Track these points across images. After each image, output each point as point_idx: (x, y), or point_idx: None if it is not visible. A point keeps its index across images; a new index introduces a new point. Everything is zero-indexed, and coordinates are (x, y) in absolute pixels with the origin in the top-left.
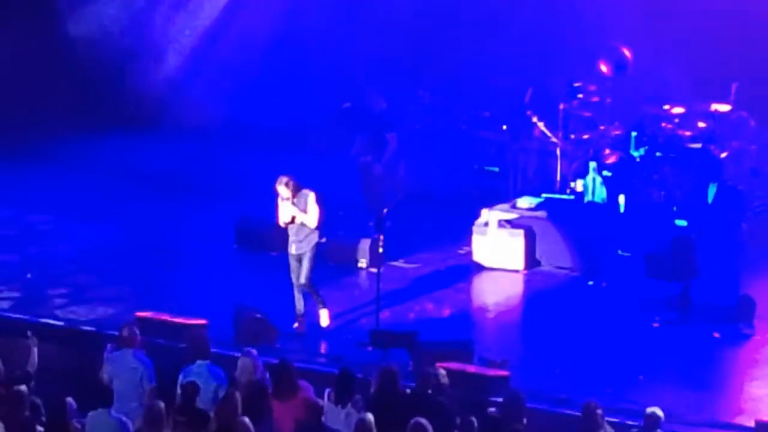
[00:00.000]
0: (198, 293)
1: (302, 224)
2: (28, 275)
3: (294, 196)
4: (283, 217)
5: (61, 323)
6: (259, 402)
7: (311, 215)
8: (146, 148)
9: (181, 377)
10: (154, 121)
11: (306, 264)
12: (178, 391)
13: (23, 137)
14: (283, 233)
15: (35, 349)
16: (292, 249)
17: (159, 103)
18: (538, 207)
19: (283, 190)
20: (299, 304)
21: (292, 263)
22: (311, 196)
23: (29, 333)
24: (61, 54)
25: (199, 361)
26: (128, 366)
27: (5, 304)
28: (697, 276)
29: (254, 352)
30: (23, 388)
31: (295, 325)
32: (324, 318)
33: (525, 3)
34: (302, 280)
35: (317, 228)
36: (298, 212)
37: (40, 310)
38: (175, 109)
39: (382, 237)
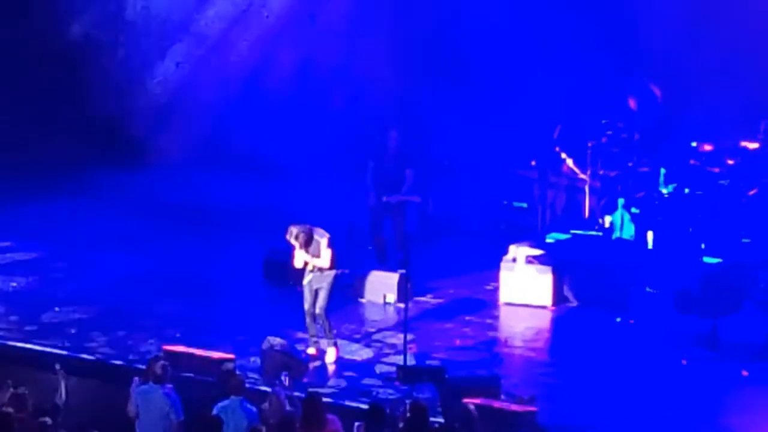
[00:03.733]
0: (226, 327)
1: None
2: (56, 308)
3: (307, 246)
4: (296, 263)
5: (88, 356)
6: None
7: (324, 259)
8: (174, 181)
9: (214, 412)
10: (183, 156)
11: (323, 294)
12: None
13: (56, 173)
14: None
15: (64, 383)
16: (307, 280)
17: (189, 138)
18: (566, 243)
19: (294, 242)
20: (312, 329)
21: (306, 293)
22: (323, 242)
23: (58, 366)
24: (94, 93)
25: (232, 397)
26: (155, 400)
27: (34, 337)
28: (727, 313)
29: (284, 385)
30: (48, 420)
31: (310, 350)
32: (331, 354)
33: (553, 39)
34: (317, 310)
35: (332, 267)
36: (311, 258)
37: (68, 344)
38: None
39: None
